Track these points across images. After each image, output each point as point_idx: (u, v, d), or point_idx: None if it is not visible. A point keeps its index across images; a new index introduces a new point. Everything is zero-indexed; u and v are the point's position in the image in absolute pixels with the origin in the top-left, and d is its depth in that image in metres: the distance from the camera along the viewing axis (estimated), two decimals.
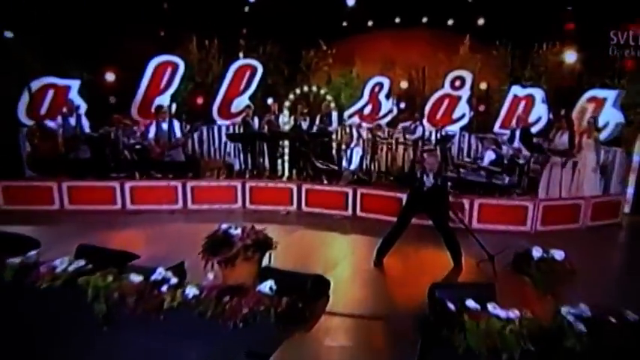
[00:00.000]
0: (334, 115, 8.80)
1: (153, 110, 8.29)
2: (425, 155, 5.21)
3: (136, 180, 7.62)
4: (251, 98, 9.38)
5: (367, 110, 10.18)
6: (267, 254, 3.09)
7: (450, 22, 10.93)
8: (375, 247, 5.22)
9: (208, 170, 8.34)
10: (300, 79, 10.10)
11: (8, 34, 8.71)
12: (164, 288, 2.40)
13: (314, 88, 9.02)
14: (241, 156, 8.92)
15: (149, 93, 8.93)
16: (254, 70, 9.41)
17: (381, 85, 10.15)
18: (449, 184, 6.21)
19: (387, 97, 10.01)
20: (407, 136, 8.70)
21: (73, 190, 7.28)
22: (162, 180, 7.65)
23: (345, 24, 10.97)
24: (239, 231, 3.23)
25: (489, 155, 8.06)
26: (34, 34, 8.77)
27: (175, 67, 9.02)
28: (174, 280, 2.48)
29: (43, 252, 3.03)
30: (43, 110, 8.25)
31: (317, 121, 8.70)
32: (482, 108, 10.39)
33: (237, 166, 9.04)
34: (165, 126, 7.61)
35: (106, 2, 9.20)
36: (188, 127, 8.34)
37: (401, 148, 8.73)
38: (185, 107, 9.33)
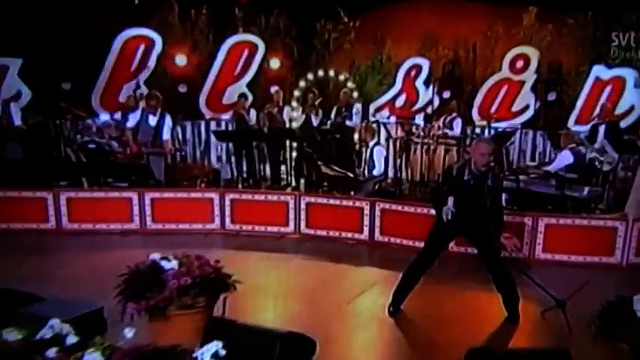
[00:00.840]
0: (357, 107, 8.85)
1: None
2: (474, 144, 4.74)
3: (78, 190, 7.47)
4: (249, 86, 9.54)
5: (400, 101, 10.24)
6: (221, 299, 2.97)
7: None
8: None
9: (186, 179, 8.29)
10: (314, 62, 10.13)
11: None
12: (51, 353, 2.00)
13: (331, 73, 9.08)
14: (233, 160, 9.05)
15: (117, 78, 9.18)
16: (254, 48, 9.63)
17: (419, 68, 10.20)
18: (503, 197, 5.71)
19: (427, 83, 9.99)
20: (446, 131, 8.63)
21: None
22: (112, 190, 7.51)
23: None
24: (174, 264, 3.10)
25: (565, 158, 7.45)
26: None
27: (151, 43, 9.38)
28: (71, 340, 2.12)
29: None
30: None
31: (333, 115, 8.78)
32: (552, 97, 10.13)
33: (227, 174, 9.09)
34: (153, 120, 7.56)
35: None
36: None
37: (441, 149, 8.48)
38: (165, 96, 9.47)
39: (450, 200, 4.13)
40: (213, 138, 9.44)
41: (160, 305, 3.09)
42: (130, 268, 3.27)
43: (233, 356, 2.24)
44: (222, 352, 2.22)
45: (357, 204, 6.94)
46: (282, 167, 8.77)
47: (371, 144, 7.63)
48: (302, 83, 8.86)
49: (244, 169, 8.81)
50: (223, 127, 9.68)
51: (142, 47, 9.35)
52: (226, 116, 9.55)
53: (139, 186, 7.29)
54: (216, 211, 7.19)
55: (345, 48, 10.72)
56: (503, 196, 6.63)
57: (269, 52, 9.85)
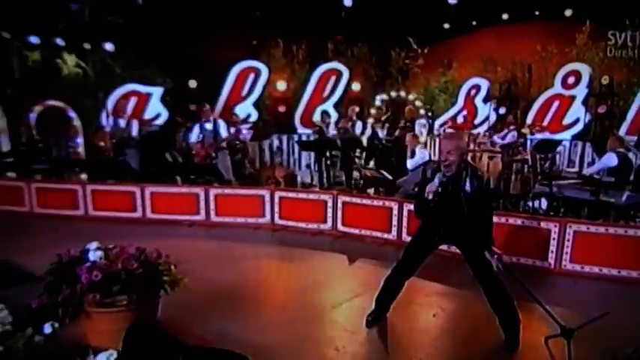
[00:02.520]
0: (422, 121, 9.70)
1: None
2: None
3: (157, 185, 8.17)
4: (336, 105, 10.74)
5: (461, 117, 11.10)
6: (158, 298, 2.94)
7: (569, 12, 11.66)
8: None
9: (266, 179, 9.11)
10: (388, 84, 11.35)
11: (109, 46, 11.53)
12: None
13: (402, 94, 10.23)
14: (315, 167, 9.74)
15: (231, 99, 10.87)
16: (339, 74, 10.83)
17: (478, 87, 11.09)
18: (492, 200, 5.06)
19: (485, 101, 10.91)
20: (494, 138, 9.10)
21: (97, 194, 8.22)
22: (183, 186, 8.22)
23: (446, 26, 12.24)
24: (99, 255, 3.13)
25: (609, 159, 6.76)
26: (124, 44, 11.50)
27: (257, 72, 10.84)
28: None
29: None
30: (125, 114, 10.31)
31: (397, 129, 9.43)
32: (602, 109, 10.45)
33: (307, 178, 9.95)
34: (209, 126, 8.66)
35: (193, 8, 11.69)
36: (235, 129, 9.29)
37: (485, 156, 8.68)
38: (267, 115, 11.08)
39: (437, 178, 3.60)
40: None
41: (68, 302, 3.01)
42: (58, 256, 3.23)
43: None
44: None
45: (387, 204, 6.81)
46: (355, 173, 9.27)
47: (416, 148, 7.62)
48: (377, 102, 9.98)
49: (324, 174, 9.14)
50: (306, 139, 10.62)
51: (251, 76, 10.83)
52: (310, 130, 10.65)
53: (206, 184, 8.02)
54: (267, 208, 7.57)
55: (415, 72, 11.85)
56: (543, 202, 6.78)
57: (352, 76, 10.97)
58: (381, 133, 9.59)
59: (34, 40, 11.81)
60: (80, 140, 10.41)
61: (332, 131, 9.70)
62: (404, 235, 6.48)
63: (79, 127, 10.58)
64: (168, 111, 10.63)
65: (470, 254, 3.78)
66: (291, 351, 3.58)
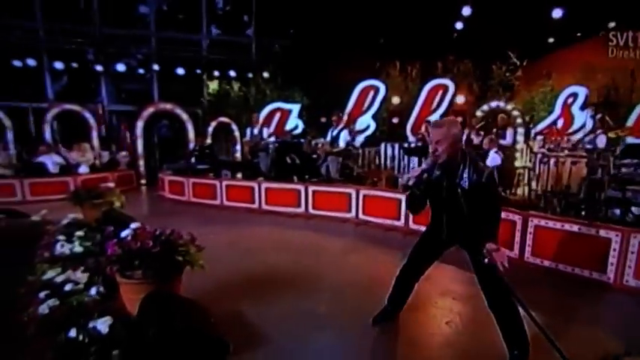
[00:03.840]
0: (518, 130, 10.19)
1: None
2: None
3: (270, 182, 9.43)
4: (442, 116, 11.43)
5: (558, 125, 11.20)
6: None
7: None
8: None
9: (371, 180, 9.30)
10: (490, 96, 11.94)
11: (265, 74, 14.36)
12: None
13: (502, 104, 10.76)
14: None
15: (354, 113, 12.61)
16: (446, 88, 11.78)
17: (575, 95, 11.21)
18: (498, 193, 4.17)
19: (582, 108, 11.02)
20: (587, 145, 8.81)
21: (229, 188, 9.87)
22: (287, 183, 9.19)
23: (551, 40, 12.63)
24: (128, 232, 3.75)
25: None
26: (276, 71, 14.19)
27: (377, 90, 12.36)
28: None
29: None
30: (271, 128, 12.75)
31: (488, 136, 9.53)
32: None
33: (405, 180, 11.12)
34: (334, 131, 9.99)
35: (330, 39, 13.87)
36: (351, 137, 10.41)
37: (569, 161, 7.98)
38: (383, 125, 12.66)
39: (425, 164, 3.33)
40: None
41: (97, 271, 3.70)
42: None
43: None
44: (103, 330, 2.94)
45: None
46: None
47: (491, 152, 7.68)
48: (478, 113, 10.78)
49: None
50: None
51: (372, 92, 12.40)
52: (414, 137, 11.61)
53: (305, 181, 9.14)
54: (353, 204, 8.31)
55: (515, 83, 12.32)
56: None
57: (457, 90, 11.88)
58: (476, 140, 10.14)
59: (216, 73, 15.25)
60: (238, 147, 13.25)
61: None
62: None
63: (237, 138, 13.42)
64: (303, 123, 12.86)
65: (472, 257, 3.38)
66: None
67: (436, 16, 12.94)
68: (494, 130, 9.78)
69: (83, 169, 12.58)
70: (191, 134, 14.14)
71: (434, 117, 11.62)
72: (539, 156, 8.43)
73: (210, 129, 13.97)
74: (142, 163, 14.24)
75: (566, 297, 4.75)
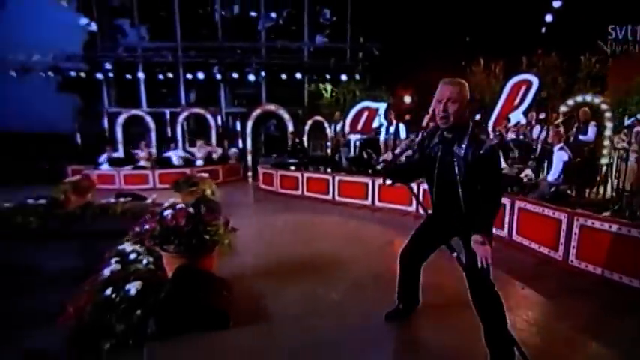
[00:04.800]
0: (592, 124, 8.65)
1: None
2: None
3: (342, 175, 9.56)
4: (525, 112, 10.81)
5: None
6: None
7: None
8: None
9: None
10: (576, 89, 10.78)
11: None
12: None
13: (588, 98, 9.51)
14: None
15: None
16: (530, 84, 10.94)
17: None
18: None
19: None
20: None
21: (309, 180, 10.15)
22: (356, 176, 9.23)
23: None
24: (169, 212, 4.14)
25: None
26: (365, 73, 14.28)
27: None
28: None
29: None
30: (360, 126, 13.07)
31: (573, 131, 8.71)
32: None
33: None
34: (392, 128, 10.05)
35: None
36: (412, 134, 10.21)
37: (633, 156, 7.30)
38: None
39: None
40: None
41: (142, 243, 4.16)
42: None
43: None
44: (132, 292, 3.32)
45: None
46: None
47: (556, 148, 6.70)
48: (563, 108, 9.65)
49: None
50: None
51: None
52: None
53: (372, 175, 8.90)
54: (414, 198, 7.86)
55: (603, 75, 10.91)
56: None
57: (541, 85, 10.91)
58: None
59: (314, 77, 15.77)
60: (329, 144, 13.56)
61: (510, 135, 9.85)
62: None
63: (329, 135, 13.72)
64: (387, 121, 12.72)
65: (465, 244, 2.79)
66: None
67: (525, 11, 11.85)
68: (576, 124, 8.81)
69: (199, 162, 13.85)
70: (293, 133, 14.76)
71: (515, 113, 10.82)
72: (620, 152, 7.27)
73: (307, 127, 14.46)
74: (249, 157, 15.21)
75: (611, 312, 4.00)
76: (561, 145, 6.80)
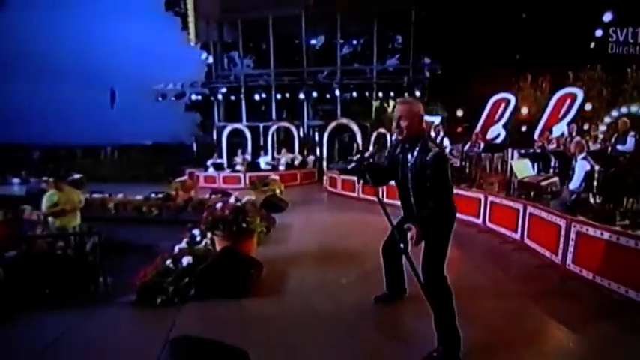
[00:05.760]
0: (631, 133, 7.83)
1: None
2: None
3: None
4: (569, 124, 9.90)
5: None
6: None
7: None
8: None
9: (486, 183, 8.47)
10: (621, 101, 9.76)
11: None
12: None
13: (633, 109, 8.71)
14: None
15: (486, 123, 12.08)
16: (574, 97, 10.20)
17: None
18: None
19: None
20: None
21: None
22: None
23: None
24: (220, 205, 4.98)
25: None
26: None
27: (507, 102, 11.46)
28: None
29: None
30: None
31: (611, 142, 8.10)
32: None
33: None
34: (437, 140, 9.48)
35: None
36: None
37: None
38: (514, 134, 11.46)
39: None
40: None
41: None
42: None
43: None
44: (184, 264, 4.00)
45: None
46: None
47: (579, 157, 6.18)
48: (607, 119, 8.91)
49: None
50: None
51: (503, 104, 11.53)
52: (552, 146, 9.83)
53: None
54: (481, 209, 6.99)
55: None
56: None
57: (586, 97, 10.13)
58: (592, 147, 8.51)
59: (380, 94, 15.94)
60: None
61: (551, 146, 9.20)
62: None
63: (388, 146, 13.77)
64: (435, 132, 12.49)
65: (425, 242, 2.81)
66: None
67: (574, 26, 10.94)
68: (615, 135, 8.08)
69: (282, 167, 14.77)
70: (359, 143, 15.10)
71: (559, 126, 10.07)
72: None
73: (372, 138, 14.71)
74: (325, 164, 15.83)
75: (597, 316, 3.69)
76: (584, 154, 6.35)
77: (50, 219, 6.31)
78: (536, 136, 10.72)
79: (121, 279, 4.61)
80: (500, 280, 4.72)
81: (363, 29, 18.51)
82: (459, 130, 12.26)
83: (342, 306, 3.83)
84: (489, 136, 11.32)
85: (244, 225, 4.91)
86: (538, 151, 9.33)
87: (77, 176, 9.06)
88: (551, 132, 9.75)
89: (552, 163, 8.11)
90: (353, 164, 3.12)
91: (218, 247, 5.07)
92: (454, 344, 2.78)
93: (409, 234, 2.74)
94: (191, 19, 19.51)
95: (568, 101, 10.35)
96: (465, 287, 4.25)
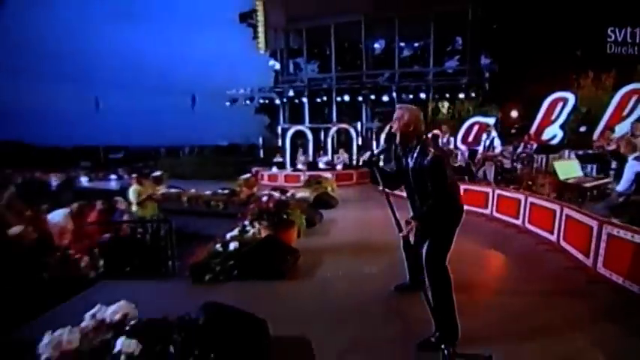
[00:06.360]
0: None
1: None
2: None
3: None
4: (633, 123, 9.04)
5: None
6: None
7: None
8: None
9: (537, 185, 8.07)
10: None
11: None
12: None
13: None
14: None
15: (542, 124, 11.47)
16: None
17: None
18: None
19: None
20: None
21: None
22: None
23: None
24: (265, 198, 5.33)
25: None
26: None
27: (565, 101, 10.75)
28: None
29: None
30: (470, 138, 12.72)
31: None
32: None
33: None
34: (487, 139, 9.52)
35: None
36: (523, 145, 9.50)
37: None
38: (572, 135, 10.77)
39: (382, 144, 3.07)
40: None
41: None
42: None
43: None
44: (231, 248, 4.00)
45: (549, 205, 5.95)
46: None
47: (630, 158, 5.74)
48: None
49: None
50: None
51: (560, 104, 10.83)
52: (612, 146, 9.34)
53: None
54: (521, 210, 6.85)
55: None
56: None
57: None
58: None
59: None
60: None
61: (611, 146, 8.44)
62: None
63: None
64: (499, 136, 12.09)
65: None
66: None
67: None
68: None
69: (339, 166, 15.22)
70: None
71: (623, 124, 9.34)
72: None
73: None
74: (381, 164, 15.95)
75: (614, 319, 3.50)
76: (637, 154, 5.89)
77: (133, 208, 7.37)
78: (595, 137, 10.02)
79: (185, 262, 5.28)
80: (521, 278, 4.72)
81: (421, 32, 18.35)
82: (514, 130, 11.80)
83: (362, 293, 4.15)
84: (545, 137, 10.78)
85: (285, 216, 5.38)
86: (596, 151, 8.86)
87: (158, 173, 10.28)
88: (613, 131, 9.04)
89: (612, 165, 7.65)
90: (365, 160, 3.31)
91: (263, 236, 5.62)
92: (451, 330, 2.90)
93: (406, 227, 2.97)
94: (261, 29, 20.69)
95: (634, 98, 9.56)
96: (482, 283, 4.52)
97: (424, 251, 3.05)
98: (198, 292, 4.33)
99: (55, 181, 15.69)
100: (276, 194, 6.11)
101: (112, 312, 1.81)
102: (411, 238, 3.04)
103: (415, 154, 2.97)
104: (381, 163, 3.37)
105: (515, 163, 9.29)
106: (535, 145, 9.69)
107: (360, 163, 3.80)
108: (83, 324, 1.74)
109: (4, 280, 3.85)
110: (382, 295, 4.02)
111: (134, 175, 8.19)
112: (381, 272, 4.77)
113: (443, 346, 2.70)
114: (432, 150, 2.94)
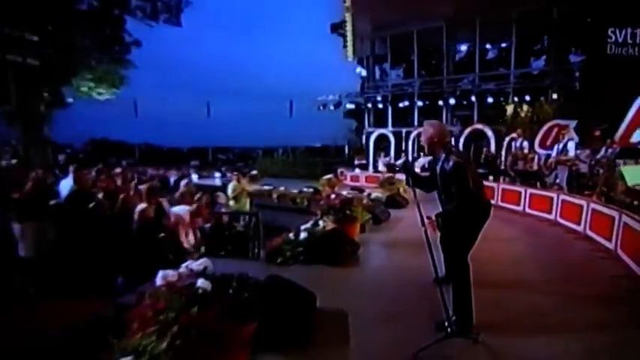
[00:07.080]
0: None
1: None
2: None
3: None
4: None
5: None
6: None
7: None
8: None
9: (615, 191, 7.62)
10: None
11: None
12: None
13: None
14: None
15: (630, 126, 10.36)
16: None
17: None
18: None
19: None
20: None
21: None
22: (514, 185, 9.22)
23: None
24: (333, 196, 5.67)
25: None
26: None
27: None
28: None
29: None
30: (549, 142, 11.92)
31: None
32: None
33: None
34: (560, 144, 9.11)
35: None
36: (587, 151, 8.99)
37: None
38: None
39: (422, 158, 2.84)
40: None
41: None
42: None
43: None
44: (302, 237, 5.38)
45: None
46: None
47: None
48: None
49: None
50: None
51: None
52: None
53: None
54: (554, 208, 7.66)
55: None
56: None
57: None
58: None
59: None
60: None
61: None
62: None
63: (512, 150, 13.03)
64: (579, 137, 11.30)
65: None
66: None
67: None
68: None
69: (417, 169, 15.41)
70: (492, 147, 14.59)
71: None
72: None
73: (505, 143, 14.09)
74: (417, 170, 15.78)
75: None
76: None
77: (231, 202, 8.78)
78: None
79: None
80: (558, 279, 4.82)
81: (504, 34, 17.53)
82: (597, 133, 10.89)
83: (402, 281, 4.62)
84: (633, 140, 9.76)
85: (348, 212, 6.02)
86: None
87: (254, 172, 11.77)
88: None
89: None
90: (400, 165, 3.72)
91: (329, 228, 6.40)
92: (466, 315, 3.14)
93: (427, 223, 3.26)
94: (349, 38, 21.62)
95: None
96: (521, 281, 4.68)
97: (447, 244, 3.40)
98: (270, 269, 5.25)
99: (172, 177, 18.44)
100: (344, 193, 6.86)
101: (198, 264, 2.81)
102: (429, 233, 3.26)
103: (441, 161, 3.26)
104: (417, 170, 3.86)
105: (595, 169, 8.72)
106: (618, 149, 8.97)
107: (397, 168, 4.27)
108: (181, 270, 2.75)
109: (128, 242, 5.10)
110: (419, 284, 4.31)
111: (235, 174, 9.59)
112: (425, 265, 5.24)
113: (446, 324, 3.01)
114: (454, 157, 3.23)
